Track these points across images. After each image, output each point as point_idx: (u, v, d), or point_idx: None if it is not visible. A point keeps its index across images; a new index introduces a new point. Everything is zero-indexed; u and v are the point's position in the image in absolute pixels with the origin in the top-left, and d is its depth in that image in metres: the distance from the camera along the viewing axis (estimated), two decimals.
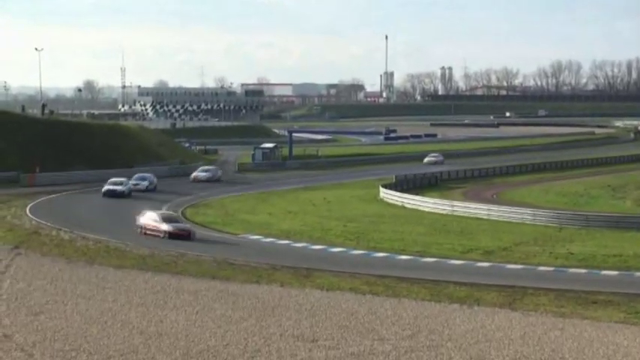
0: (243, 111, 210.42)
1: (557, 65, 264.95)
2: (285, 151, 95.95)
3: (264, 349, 19.94)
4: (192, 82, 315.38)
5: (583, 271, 33.84)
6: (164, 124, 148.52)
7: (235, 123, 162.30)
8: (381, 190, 61.54)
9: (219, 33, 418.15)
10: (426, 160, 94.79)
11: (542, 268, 34.42)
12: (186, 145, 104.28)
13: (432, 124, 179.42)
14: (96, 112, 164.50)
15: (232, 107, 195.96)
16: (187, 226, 41.44)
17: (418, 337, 21.56)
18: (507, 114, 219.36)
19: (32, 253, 34.14)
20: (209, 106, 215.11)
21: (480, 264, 35.36)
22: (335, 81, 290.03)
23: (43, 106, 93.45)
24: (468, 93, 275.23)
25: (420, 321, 23.46)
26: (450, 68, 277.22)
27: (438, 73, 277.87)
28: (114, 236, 38.66)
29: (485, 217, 50.28)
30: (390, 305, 25.60)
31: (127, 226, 43.30)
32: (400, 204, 56.95)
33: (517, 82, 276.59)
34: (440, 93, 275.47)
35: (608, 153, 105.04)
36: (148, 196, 58.50)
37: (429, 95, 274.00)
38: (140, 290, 26.93)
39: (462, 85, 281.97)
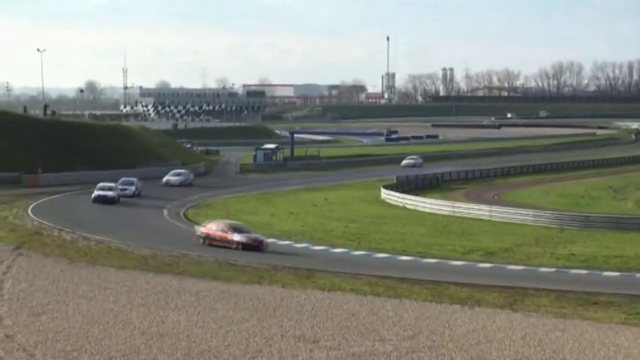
0: (245, 112, 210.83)
1: (558, 66, 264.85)
2: (287, 152, 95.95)
3: (266, 349, 19.99)
4: (193, 83, 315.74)
5: (584, 272, 33.88)
6: (166, 124, 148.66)
7: (237, 124, 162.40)
8: (383, 191, 61.55)
9: (220, 34, 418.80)
10: (404, 162, 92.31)
11: (543, 269, 34.46)
12: (188, 146, 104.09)
13: (433, 125, 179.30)
14: (98, 112, 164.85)
15: (234, 108, 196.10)
16: (260, 236, 39.14)
17: (419, 337, 21.60)
18: (509, 115, 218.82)
19: (34, 254, 34.16)
20: (211, 107, 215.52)
21: (481, 265, 35.40)
22: (336, 82, 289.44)
23: (45, 106, 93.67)
24: (469, 94, 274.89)
25: (421, 322, 23.50)
26: (452, 69, 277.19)
27: (440, 74, 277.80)
28: (116, 237, 38.66)
29: (486, 218, 50.29)
30: (391, 306, 25.64)
31: (128, 227, 43.32)
32: (401, 205, 56.96)
33: (518, 83, 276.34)
34: (441, 94, 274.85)
35: (610, 154, 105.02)
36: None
37: (431, 96, 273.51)
38: (142, 291, 26.97)
39: (463, 86, 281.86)
